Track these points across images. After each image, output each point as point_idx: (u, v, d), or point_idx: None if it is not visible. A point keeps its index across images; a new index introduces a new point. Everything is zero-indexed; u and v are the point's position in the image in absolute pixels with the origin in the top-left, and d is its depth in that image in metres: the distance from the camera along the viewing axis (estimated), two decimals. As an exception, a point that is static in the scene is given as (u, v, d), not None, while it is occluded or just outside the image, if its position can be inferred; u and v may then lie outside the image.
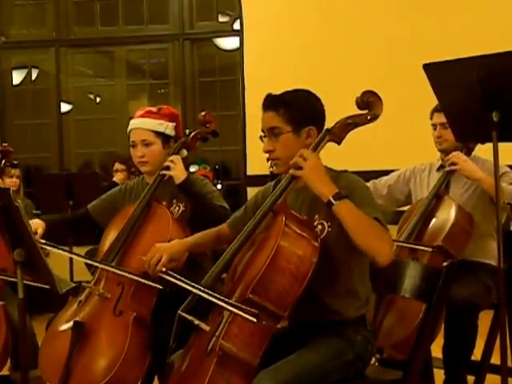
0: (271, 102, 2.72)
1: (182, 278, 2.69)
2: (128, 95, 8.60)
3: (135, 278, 3.14)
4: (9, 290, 3.75)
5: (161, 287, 2.99)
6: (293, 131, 2.67)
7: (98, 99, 8.78)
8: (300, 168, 2.48)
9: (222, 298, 2.48)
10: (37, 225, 3.39)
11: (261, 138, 2.78)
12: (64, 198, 6.00)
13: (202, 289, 2.54)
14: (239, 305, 2.39)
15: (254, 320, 2.32)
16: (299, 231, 2.47)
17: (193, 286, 2.59)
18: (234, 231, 2.85)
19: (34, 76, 8.67)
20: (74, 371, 3.05)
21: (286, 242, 2.43)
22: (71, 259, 5.88)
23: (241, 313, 2.36)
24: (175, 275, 2.76)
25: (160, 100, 8.24)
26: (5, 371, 3.69)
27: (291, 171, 2.53)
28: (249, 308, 2.34)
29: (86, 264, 5.90)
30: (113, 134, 8.41)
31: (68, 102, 8.44)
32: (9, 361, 3.61)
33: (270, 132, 2.70)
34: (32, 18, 8.55)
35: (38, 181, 6.62)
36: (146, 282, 3.11)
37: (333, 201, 2.40)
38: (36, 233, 3.29)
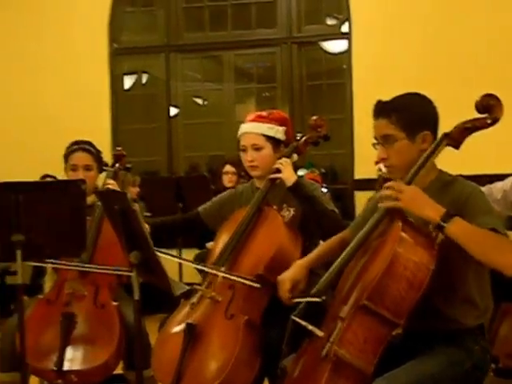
0: (382, 109, 2.67)
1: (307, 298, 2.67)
2: (235, 99, 8.67)
3: (244, 281, 3.15)
4: (122, 292, 3.83)
5: (274, 290, 2.97)
6: (407, 137, 2.62)
7: (206, 103, 8.89)
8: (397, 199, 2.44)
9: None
10: None
11: (373, 145, 2.74)
12: (173, 200, 6.09)
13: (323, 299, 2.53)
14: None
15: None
16: (416, 238, 2.42)
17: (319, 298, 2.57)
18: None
19: (144, 81, 8.86)
20: (185, 373, 3.08)
21: (402, 249, 2.39)
22: (180, 260, 5.95)
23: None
24: (302, 296, 2.75)
25: (267, 104, 8.26)
26: (118, 370, 3.77)
27: (390, 204, 2.48)
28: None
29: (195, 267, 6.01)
30: (220, 137, 8.50)
31: (177, 107, 8.58)
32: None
33: (384, 140, 2.65)
34: (143, 24, 8.74)
35: (148, 184, 6.75)
36: (255, 285, 3.12)
37: (443, 224, 2.35)
38: None
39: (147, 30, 8.67)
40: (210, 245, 6.68)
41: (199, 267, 3.50)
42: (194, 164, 8.65)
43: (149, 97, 8.70)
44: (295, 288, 2.86)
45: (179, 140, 8.51)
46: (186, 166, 8.62)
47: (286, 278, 2.89)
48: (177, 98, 8.55)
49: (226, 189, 6.70)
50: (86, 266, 3.57)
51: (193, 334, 3.14)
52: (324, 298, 2.53)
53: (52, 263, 3.54)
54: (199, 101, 8.93)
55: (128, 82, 8.77)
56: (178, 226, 3.82)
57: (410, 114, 2.62)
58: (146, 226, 3.46)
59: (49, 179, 6.74)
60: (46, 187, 3.29)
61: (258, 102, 8.65)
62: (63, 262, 3.54)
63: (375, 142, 2.70)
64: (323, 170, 7.96)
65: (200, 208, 3.76)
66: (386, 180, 4.80)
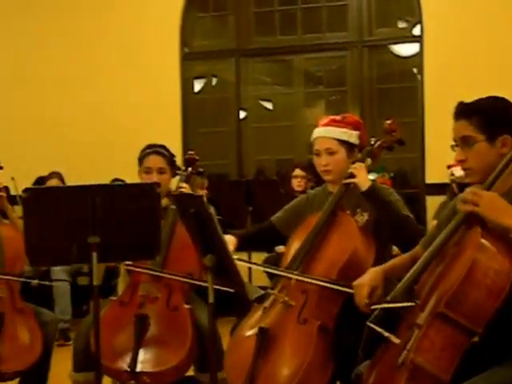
0: (463, 111, 2.63)
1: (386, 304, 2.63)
2: (304, 103, 8.66)
3: (320, 283, 3.14)
4: (194, 295, 3.85)
5: (352, 291, 2.93)
6: (487, 140, 2.57)
7: (275, 107, 8.90)
8: (476, 205, 2.40)
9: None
10: (230, 241, 3.43)
11: (452, 147, 2.70)
12: (243, 204, 6.11)
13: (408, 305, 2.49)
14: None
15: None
16: (496, 245, 2.37)
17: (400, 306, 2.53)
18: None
19: (214, 85, 8.92)
20: (258, 376, 3.08)
21: (482, 256, 2.34)
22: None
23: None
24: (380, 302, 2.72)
25: (337, 108, 8.24)
26: (189, 372, 3.80)
27: (468, 207, 2.44)
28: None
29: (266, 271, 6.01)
30: (289, 141, 8.50)
31: (246, 110, 8.61)
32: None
33: (463, 141, 2.62)
34: (214, 29, 8.80)
35: (218, 187, 6.79)
36: (333, 286, 3.10)
37: None
38: None
39: (218, 34, 8.74)
40: (278, 248, 6.68)
41: (275, 272, 3.47)
42: (260, 167, 8.68)
43: (218, 101, 8.76)
44: (373, 294, 2.82)
45: (248, 143, 8.54)
46: (255, 170, 8.65)
47: (364, 282, 2.84)
48: (246, 101, 8.58)
49: (294, 192, 6.73)
50: (167, 272, 3.62)
51: (265, 338, 3.14)
52: (418, 301, 2.47)
53: (137, 267, 3.60)
54: (268, 104, 8.94)
55: (198, 85, 8.84)
56: (253, 239, 3.79)
57: (490, 117, 2.58)
58: (234, 239, 3.47)
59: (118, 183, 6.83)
60: (121, 190, 3.33)
61: (327, 105, 8.63)
62: (140, 266, 3.59)
63: (453, 143, 2.66)
64: (391, 174, 7.89)
65: (273, 218, 3.74)
66: (459, 185, 4.73)
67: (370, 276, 2.87)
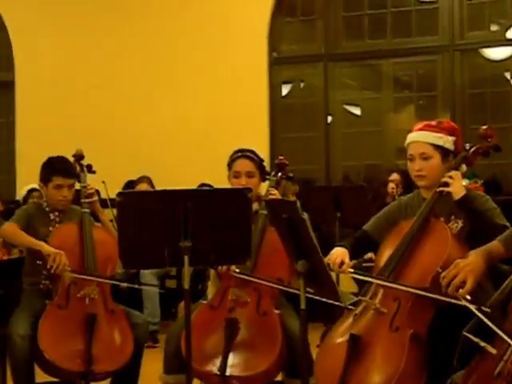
0: None
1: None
2: (393, 108, 8.57)
3: (415, 290, 3.09)
4: (283, 300, 3.85)
5: (447, 299, 2.87)
6: None
7: (363, 112, 8.82)
8: None
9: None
10: (342, 254, 3.41)
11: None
12: (332, 209, 6.07)
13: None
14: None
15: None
16: None
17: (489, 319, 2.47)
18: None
19: (302, 90, 8.90)
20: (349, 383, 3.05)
21: None
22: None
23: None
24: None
25: (427, 112, 8.12)
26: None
27: None
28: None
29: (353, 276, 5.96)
30: (378, 146, 8.42)
31: (334, 115, 8.56)
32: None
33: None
34: (302, 33, 8.79)
35: (306, 193, 6.76)
36: (427, 294, 3.04)
37: None
38: (343, 263, 3.32)
39: (306, 39, 8.72)
40: (367, 255, 6.63)
41: (368, 278, 3.42)
42: (346, 173, 8.62)
43: (306, 106, 8.73)
44: None
45: (336, 148, 8.49)
46: (342, 175, 8.59)
47: (470, 271, 2.76)
48: (334, 106, 8.54)
49: (384, 199, 6.65)
50: (259, 277, 3.64)
51: (356, 345, 3.11)
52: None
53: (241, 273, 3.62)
54: (356, 109, 8.88)
55: (285, 90, 8.84)
56: (358, 249, 3.72)
57: None
58: (345, 251, 3.43)
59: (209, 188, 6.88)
60: (213, 194, 3.34)
61: (417, 110, 8.50)
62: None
63: None
64: (481, 181, 7.72)
65: (365, 227, 3.68)
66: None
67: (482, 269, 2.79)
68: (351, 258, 3.46)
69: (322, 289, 2.78)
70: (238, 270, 3.63)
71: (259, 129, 8.30)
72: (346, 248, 3.47)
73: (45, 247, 4.02)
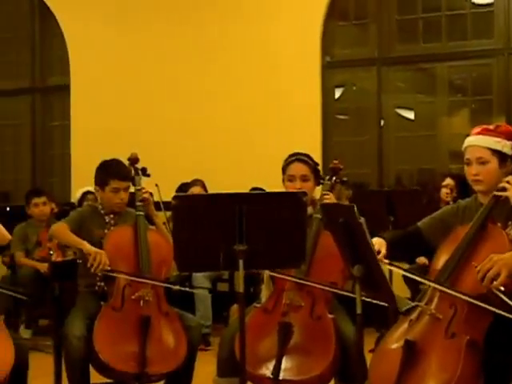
0: None
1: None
2: (448, 111, 8.48)
3: (469, 299, 3.05)
4: (337, 304, 3.83)
5: (493, 309, 2.84)
6: None
7: (416, 116, 8.74)
8: None
9: None
10: (379, 244, 3.38)
11: None
12: (385, 214, 6.04)
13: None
14: None
15: None
16: None
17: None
18: None
19: (354, 94, 8.87)
20: (403, 390, 3.03)
21: None
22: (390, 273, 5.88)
23: None
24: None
25: (482, 117, 8.01)
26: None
27: None
28: None
29: (405, 280, 5.91)
30: (431, 150, 8.34)
31: (387, 119, 8.50)
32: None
33: None
34: (354, 37, 8.76)
35: (359, 197, 6.73)
36: (480, 304, 3.00)
37: None
38: (379, 252, 3.28)
39: (359, 42, 8.68)
40: (419, 259, 6.57)
41: (427, 282, 3.38)
42: (399, 176, 8.55)
43: (359, 109, 8.69)
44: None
45: (389, 152, 8.43)
46: (394, 179, 8.53)
47: (504, 264, 2.77)
48: (387, 110, 8.48)
49: (440, 203, 6.59)
50: (314, 281, 3.65)
51: (412, 352, 3.08)
52: None
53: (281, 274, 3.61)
54: (410, 113, 8.80)
55: (338, 94, 8.81)
56: (402, 244, 3.70)
57: None
58: (383, 241, 3.40)
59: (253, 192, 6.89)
60: (268, 198, 3.35)
61: (471, 114, 8.40)
62: (283, 274, 3.61)
63: None
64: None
65: (420, 223, 3.66)
66: None
67: None
68: (398, 250, 3.43)
69: (378, 293, 2.76)
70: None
71: (312, 132, 8.28)
72: (385, 240, 3.43)
73: (86, 246, 4.08)
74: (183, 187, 7.36)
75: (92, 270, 3.99)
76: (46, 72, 9.73)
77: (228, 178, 7.52)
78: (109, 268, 4.02)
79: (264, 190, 6.11)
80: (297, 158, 4.05)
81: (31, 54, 9.71)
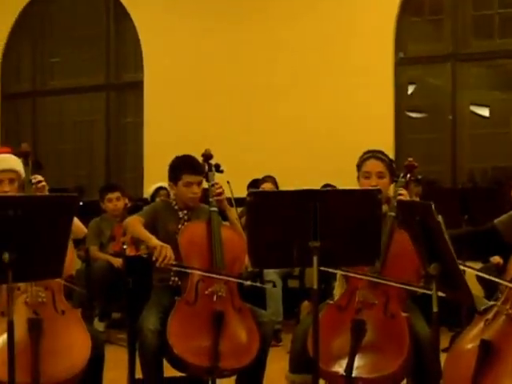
0: None
1: None
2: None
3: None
4: (410, 303, 3.80)
5: None
6: None
7: (492, 113, 8.59)
8: None
9: None
10: None
11: None
12: (458, 212, 5.96)
13: None
14: None
15: None
16: None
17: None
18: None
19: (427, 90, 8.76)
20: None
21: None
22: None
23: None
24: None
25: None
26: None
27: None
28: None
29: (479, 280, 5.82)
30: (507, 148, 8.18)
31: (462, 116, 8.37)
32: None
33: None
34: (428, 33, 8.65)
35: (431, 195, 6.65)
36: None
37: None
38: None
39: (433, 38, 8.58)
40: (493, 259, 6.45)
41: (499, 281, 3.33)
42: (472, 175, 8.42)
43: (432, 106, 8.59)
44: None
45: (463, 150, 8.30)
46: (467, 177, 8.41)
47: None
48: (461, 107, 8.35)
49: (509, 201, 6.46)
50: (389, 279, 3.61)
51: (488, 352, 3.02)
52: None
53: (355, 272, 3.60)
54: (485, 110, 8.65)
55: (411, 90, 8.72)
56: (472, 241, 3.66)
57: None
58: None
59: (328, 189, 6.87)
60: (343, 195, 3.33)
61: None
62: (357, 271, 3.59)
63: None
64: None
65: (496, 221, 3.59)
66: None
67: None
68: (472, 249, 3.37)
69: (455, 292, 2.72)
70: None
71: (384, 129, 8.21)
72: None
73: (152, 240, 4.12)
74: (254, 184, 7.39)
75: (157, 264, 4.02)
76: (121, 69, 9.87)
77: (299, 175, 7.52)
78: (174, 263, 4.05)
79: (335, 187, 6.08)
80: (373, 154, 4.03)
81: (106, 52, 9.87)
